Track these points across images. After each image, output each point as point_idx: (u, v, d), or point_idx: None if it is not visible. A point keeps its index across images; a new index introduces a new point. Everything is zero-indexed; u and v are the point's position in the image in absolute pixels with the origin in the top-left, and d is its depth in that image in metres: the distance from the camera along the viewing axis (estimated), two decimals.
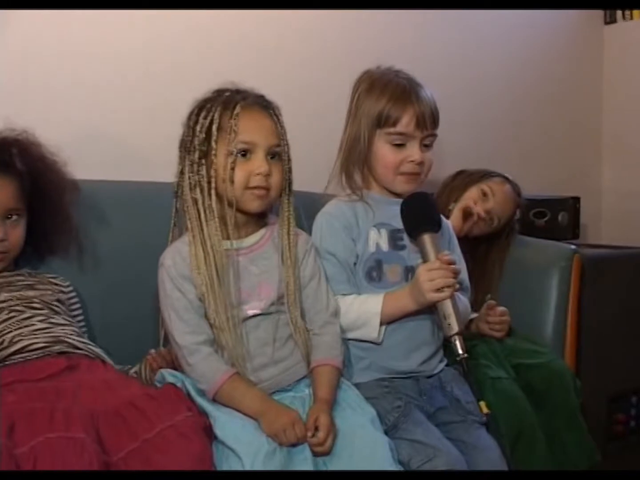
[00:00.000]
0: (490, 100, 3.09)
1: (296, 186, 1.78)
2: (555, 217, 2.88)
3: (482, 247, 2.41)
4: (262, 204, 1.71)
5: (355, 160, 1.87)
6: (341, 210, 1.85)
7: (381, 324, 1.77)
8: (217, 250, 1.66)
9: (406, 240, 1.83)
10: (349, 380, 1.76)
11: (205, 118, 1.68)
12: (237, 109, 1.68)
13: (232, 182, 1.66)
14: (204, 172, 1.68)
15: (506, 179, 2.42)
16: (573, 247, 2.36)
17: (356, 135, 1.86)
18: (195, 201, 1.68)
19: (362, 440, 1.60)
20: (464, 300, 1.89)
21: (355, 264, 1.83)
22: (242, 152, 1.67)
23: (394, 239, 1.84)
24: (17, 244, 1.80)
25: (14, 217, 1.79)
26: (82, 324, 1.88)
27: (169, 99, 2.17)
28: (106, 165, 2.15)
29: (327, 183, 1.92)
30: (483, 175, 2.39)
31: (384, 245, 1.84)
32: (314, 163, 1.93)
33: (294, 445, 1.55)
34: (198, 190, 1.68)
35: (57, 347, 1.67)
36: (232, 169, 1.66)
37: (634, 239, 3.11)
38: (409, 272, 1.81)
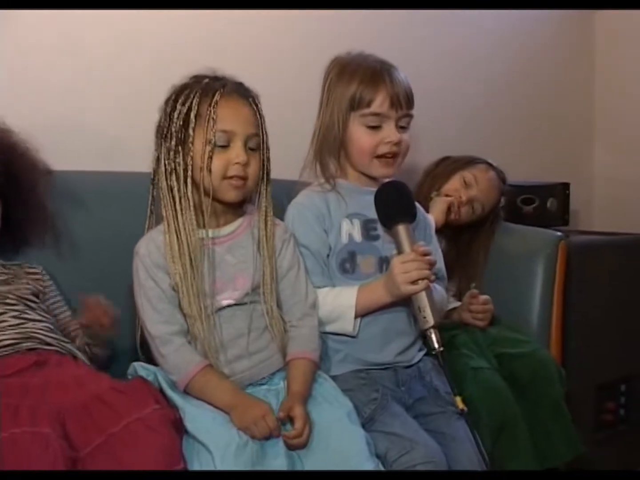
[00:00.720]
0: (478, 85, 3.04)
1: (277, 174, 1.76)
2: (544, 203, 2.84)
3: (466, 235, 2.39)
4: (239, 193, 1.68)
5: (330, 147, 1.84)
6: (312, 200, 1.83)
7: (356, 316, 1.75)
8: (191, 240, 1.64)
9: (380, 230, 1.80)
10: (326, 373, 1.74)
11: (183, 105, 1.65)
12: (217, 97, 1.65)
13: (209, 171, 1.64)
14: (180, 159, 1.65)
15: (490, 165, 2.40)
16: (559, 233, 2.33)
17: (330, 122, 1.83)
18: (170, 189, 1.66)
19: (338, 434, 1.57)
20: (440, 290, 1.86)
21: (328, 255, 1.80)
22: (221, 142, 1.64)
23: (367, 229, 1.81)
24: None
25: None
26: (64, 308, 1.84)
27: (146, 88, 2.13)
28: (84, 156, 2.11)
29: (301, 170, 1.90)
30: (467, 162, 2.37)
31: (357, 236, 1.81)
32: (295, 150, 1.88)
33: (267, 438, 1.53)
34: (174, 177, 1.65)
35: (26, 344, 1.64)
36: (210, 157, 1.63)
37: (627, 226, 3.08)
38: (384, 262, 1.78)
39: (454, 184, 2.34)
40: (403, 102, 1.80)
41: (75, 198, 1.97)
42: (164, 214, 1.67)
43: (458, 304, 2.20)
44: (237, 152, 1.65)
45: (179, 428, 1.51)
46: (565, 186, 2.93)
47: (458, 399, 1.61)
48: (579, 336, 2.42)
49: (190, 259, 1.63)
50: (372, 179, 1.85)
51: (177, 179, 1.65)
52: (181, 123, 1.65)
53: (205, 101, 1.65)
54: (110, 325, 1.68)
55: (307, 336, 1.71)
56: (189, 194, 1.65)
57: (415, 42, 2.82)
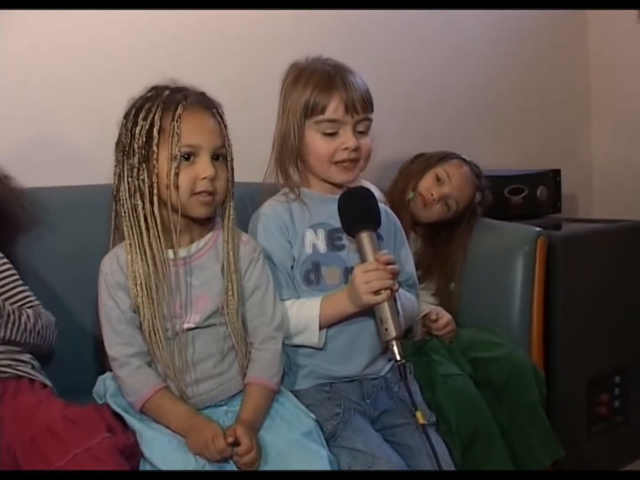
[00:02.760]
0: (462, 69, 2.97)
1: (242, 177, 1.73)
2: (533, 192, 2.79)
3: (443, 234, 2.36)
4: (209, 209, 1.64)
5: (288, 155, 1.80)
6: (276, 211, 1.79)
7: (321, 327, 1.71)
8: (158, 261, 1.60)
9: (346, 239, 1.76)
10: (290, 387, 1.72)
11: (144, 119, 1.60)
12: (179, 110, 1.59)
13: (176, 187, 1.59)
14: (145, 176, 1.59)
15: (464, 160, 2.35)
16: (537, 229, 2.29)
17: (286, 130, 1.79)
18: (134, 207, 1.61)
19: (298, 456, 1.55)
20: (410, 298, 1.83)
21: (292, 267, 1.77)
22: (186, 156, 1.59)
23: (332, 239, 1.77)
24: None
25: None
26: (20, 289, 1.77)
27: (102, 97, 2.12)
28: (52, 170, 2.10)
29: (265, 173, 1.86)
30: (440, 159, 2.33)
31: (321, 247, 1.77)
32: (260, 152, 1.84)
33: (222, 461, 1.51)
34: (138, 195, 1.60)
35: None
36: (177, 174, 1.58)
37: (628, 212, 2.99)
38: (349, 273, 1.72)
39: (427, 182, 2.30)
40: (359, 106, 1.75)
41: (43, 212, 1.95)
42: (127, 233, 1.62)
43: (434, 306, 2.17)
44: (204, 166, 1.60)
45: (133, 453, 1.50)
46: (556, 173, 2.90)
47: (418, 414, 1.59)
48: (568, 329, 2.39)
49: (154, 281, 1.59)
50: (337, 186, 1.81)
51: (142, 197, 1.60)
52: (144, 139, 1.59)
53: (168, 115, 1.59)
54: None
55: (267, 361, 1.67)
56: (156, 212, 1.60)
57: (398, 29, 2.78)
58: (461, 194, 2.31)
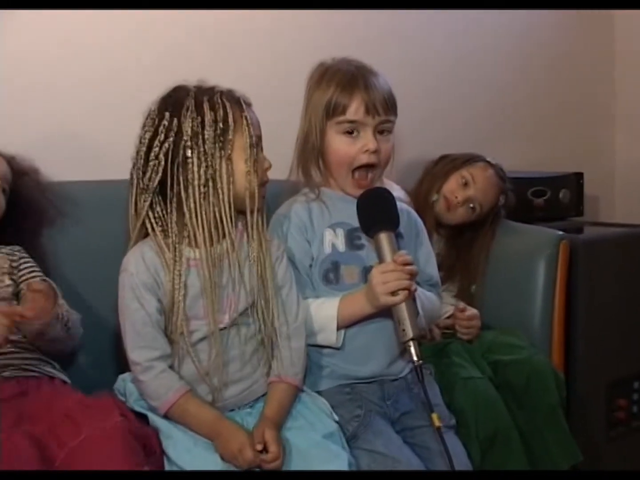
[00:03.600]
0: (486, 72, 2.95)
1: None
2: (556, 195, 2.77)
3: (466, 236, 2.35)
4: (263, 201, 1.67)
5: (310, 154, 1.80)
6: (295, 211, 1.79)
7: (339, 328, 1.71)
8: (204, 256, 1.59)
9: (365, 239, 1.76)
10: (311, 389, 1.72)
11: (211, 110, 1.60)
12: (242, 102, 1.64)
13: (256, 174, 1.62)
14: (220, 166, 1.59)
15: (489, 163, 2.34)
16: (560, 232, 2.27)
17: (308, 129, 1.79)
18: (185, 200, 1.59)
19: (318, 457, 1.55)
20: (430, 297, 1.82)
21: (311, 266, 1.76)
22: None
23: (351, 238, 1.77)
24: None
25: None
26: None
27: (126, 93, 2.14)
28: (75, 165, 2.10)
29: (289, 170, 1.86)
30: (465, 161, 2.32)
31: (341, 246, 1.77)
32: (284, 150, 1.84)
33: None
34: (211, 185, 1.59)
35: (6, 373, 1.64)
36: (255, 161, 1.61)
37: None
38: (368, 272, 1.71)
39: (451, 184, 2.29)
40: (380, 108, 1.74)
41: (68, 206, 1.95)
42: (171, 229, 1.61)
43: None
44: (264, 158, 1.66)
45: (150, 447, 1.51)
46: (579, 176, 2.88)
47: (434, 416, 1.58)
48: (588, 333, 2.36)
49: (186, 281, 1.59)
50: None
51: (215, 186, 1.59)
52: (221, 126, 1.59)
53: (234, 106, 1.62)
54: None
55: (291, 358, 1.66)
56: (220, 205, 1.60)
57: (422, 28, 2.78)
58: (485, 197, 2.30)
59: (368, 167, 1.77)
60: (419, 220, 1.90)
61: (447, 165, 2.33)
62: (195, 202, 1.59)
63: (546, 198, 2.74)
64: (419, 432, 1.71)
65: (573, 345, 2.30)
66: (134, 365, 1.60)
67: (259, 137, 1.64)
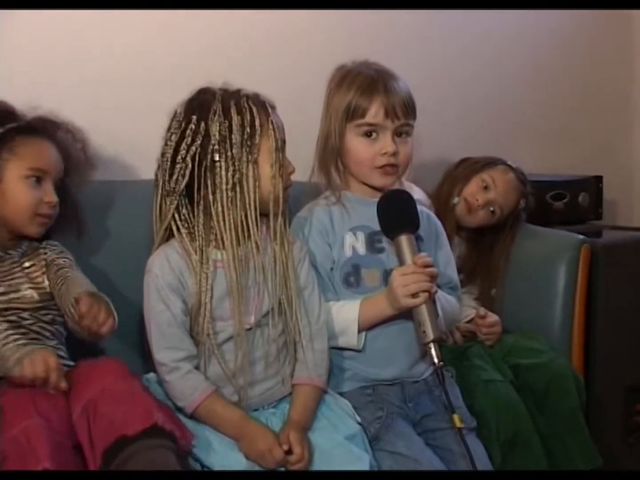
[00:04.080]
0: (505, 75, 2.94)
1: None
2: (575, 198, 2.76)
3: (487, 239, 2.34)
4: (286, 204, 1.68)
5: (330, 156, 1.81)
6: (316, 214, 1.80)
7: (360, 330, 1.72)
8: (229, 260, 1.60)
9: (385, 242, 1.77)
10: (335, 389, 1.72)
11: (238, 114, 1.61)
12: (268, 107, 1.65)
13: (280, 178, 1.64)
14: (247, 169, 1.61)
15: (509, 167, 2.34)
16: (581, 236, 2.26)
17: (328, 131, 1.80)
18: (212, 202, 1.60)
19: (340, 459, 1.56)
20: (450, 299, 1.82)
21: (332, 269, 1.77)
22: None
23: (371, 241, 1.78)
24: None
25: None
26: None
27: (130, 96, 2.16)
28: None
29: (310, 172, 1.87)
30: (485, 164, 2.31)
31: (361, 249, 1.78)
32: (305, 152, 1.85)
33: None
34: (238, 189, 1.60)
35: None
36: (280, 165, 1.63)
37: None
38: (389, 275, 1.72)
39: (472, 187, 2.29)
40: (400, 111, 1.75)
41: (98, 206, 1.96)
42: (198, 232, 1.62)
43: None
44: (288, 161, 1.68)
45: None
46: (598, 179, 2.87)
47: (455, 417, 1.58)
48: (607, 337, 2.35)
49: (212, 282, 1.61)
50: (377, 189, 1.81)
51: (242, 190, 1.60)
52: (249, 130, 1.61)
53: (260, 110, 1.63)
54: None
55: (315, 360, 1.67)
56: (247, 209, 1.61)
57: (442, 31, 2.78)
58: (506, 201, 2.29)
59: (389, 166, 1.77)
60: (439, 223, 1.90)
61: (467, 168, 2.33)
62: (222, 206, 1.60)
63: (565, 201, 2.73)
64: (440, 435, 1.71)
65: (592, 349, 2.29)
66: (160, 366, 1.61)
67: (284, 141, 1.66)
